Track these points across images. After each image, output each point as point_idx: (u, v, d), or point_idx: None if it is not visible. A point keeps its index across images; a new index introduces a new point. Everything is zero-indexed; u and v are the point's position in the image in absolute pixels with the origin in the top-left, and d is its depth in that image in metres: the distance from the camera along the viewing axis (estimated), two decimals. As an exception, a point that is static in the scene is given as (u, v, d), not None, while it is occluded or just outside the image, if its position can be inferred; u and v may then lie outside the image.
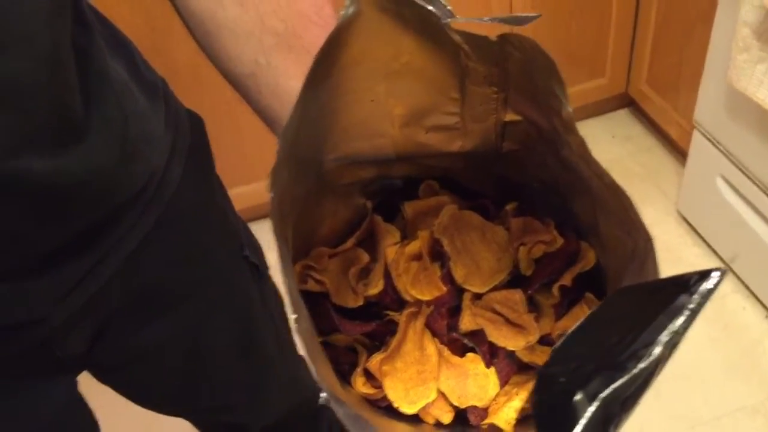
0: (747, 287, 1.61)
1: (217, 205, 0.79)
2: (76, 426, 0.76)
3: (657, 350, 0.28)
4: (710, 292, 0.29)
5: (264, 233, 0.96)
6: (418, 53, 0.40)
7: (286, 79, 0.50)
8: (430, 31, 0.37)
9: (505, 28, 0.36)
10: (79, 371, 0.73)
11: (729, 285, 1.63)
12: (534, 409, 0.30)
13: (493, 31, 0.37)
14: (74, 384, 0.74)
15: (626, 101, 2.03)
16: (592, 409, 0.28)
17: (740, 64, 1.33)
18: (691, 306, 0.28)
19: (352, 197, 0.51)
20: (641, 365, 0.27)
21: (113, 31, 0.64)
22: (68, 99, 0.52)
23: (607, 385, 0.27)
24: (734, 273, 1.64)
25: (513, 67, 0.39)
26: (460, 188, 0.52)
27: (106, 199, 0.58)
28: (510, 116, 0.43)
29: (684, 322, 0.28)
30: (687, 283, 0.29)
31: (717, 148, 1.57)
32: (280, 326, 0.90)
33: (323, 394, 0.34)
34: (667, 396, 1.44)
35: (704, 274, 0.29)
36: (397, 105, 0.43)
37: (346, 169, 0.48)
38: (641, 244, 0.36)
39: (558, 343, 0.31)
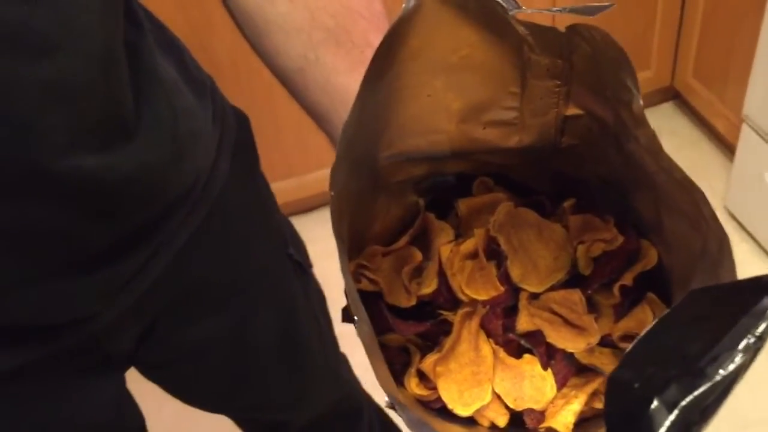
0: (798, 285, 1.57)
1: (262, 203, 0.79)
2: (124, 421, 0.76)
3: (739, 356, 0.27)
4: None
5: (305, 229, 0.96)
6: (478, 46, 0.39)
7: (335, 75, 0.50)
8: (493, 22, 0.36)
9: (572, 19, 0.34)
10: (127, 368, 0.74)
11: (779, 283, 1.59)
12: (606, 417, 0.29)
13: (557, 23, 0.35)
14: (122, 380, 0.75)
15: (671, 94, 1.99)
16: (671, 417, 0.26)
17: (793, 55, 1.30)
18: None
19: (404, 195, 0.50)
20: (723, 372, 0.26)
21: (162, 29, 0.65)
22: (120, 97, 0.52)
23: (687, 393, 0.26)
24: (785, 270, 1.60)
25: (579, 60, 0.38)
26: (514, 185, 0.51)
27: (156, 197, 0.59)
28: (571, 110, 0.42)
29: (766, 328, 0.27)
30: (766, 286, 0.28)
31: (766, 142, 1.53)
32: (323, 323, 0.90)
33: (386, 398, 0.33)
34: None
35: None
36: (455, 100, 0.42)
37: (398, 166, 0.47)
38: (714, 243, 0.34)
39: (630, 347, 0.29)
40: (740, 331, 0.27)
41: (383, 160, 0.45)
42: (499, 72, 0.40)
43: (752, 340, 0.26)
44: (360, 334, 0.34)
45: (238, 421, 0.99)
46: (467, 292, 0.46)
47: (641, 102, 0.35)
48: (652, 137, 0.36)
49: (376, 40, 0.37)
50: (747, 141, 1.61)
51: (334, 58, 0.50)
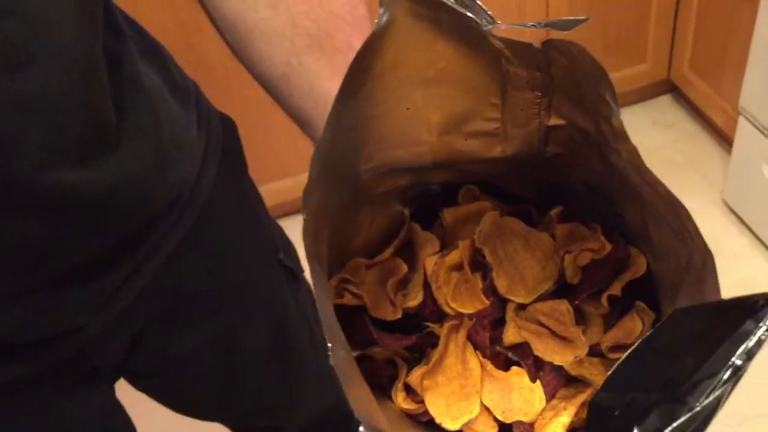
0: (797, 278, 1.57)
1: (250, 209, 0.78)
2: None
3: (720, 384, 0.26)
4: None
5: (297, 230, 0.95)
6: (455, 59, 0.38)
7: (319, 81, 0.49)
8: (468, 36, 0.35)
9: (548, 32, 0.33)
10: (116, 379, 0.73)
11: (777, 276, 1.59)
12: None
13: (534, 36, 0.35)
14: (111, 391, 0.74)
15: (668, 87, 1.98)
16: None
17: (789, 46, 1.29)
18: (759, 333, 0.26)
19: (389, 205, 0.49)
20: (705, 401, 0.25)
21: (145, 36, 0.64)
22: (101, 109, 0.51)
23: (668, 423, 0.25)
24: (783, 263, 1.59)
25: (558, 72, 0.37)
26: (501, 192, 0.50)
27: (140, 208, 0.58)
28: (554, 121, 0.41)
29: (751, 350, 0.26)
30: (753, 307, 0.27)
31: (764, 134, 1.52)
32: (314, 327, 0.89)
33: (361, 429, 0.33)
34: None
35: None
36: (434, 112, 0.42)
37: (381, 177, 0.46)
38: (699, 258, 0.34)
39: (612, 369, 0.29)
40: (722, 357, 0.26)
41: (365, 173, 0.44)
42: (478, 84, 0.40)
43: (733, 367, 0.25)
44: (334, 360, 0.33)
45: (233, 428, 0.98)
46: (453, 305, 0.45)
47: (620, 117, 0.34)
48: (633, 152, 0.35)
49: (360, 44, 0.36)
50: (744, 133, 1.60)
51: (318, 64, 0.49)
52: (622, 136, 0.35)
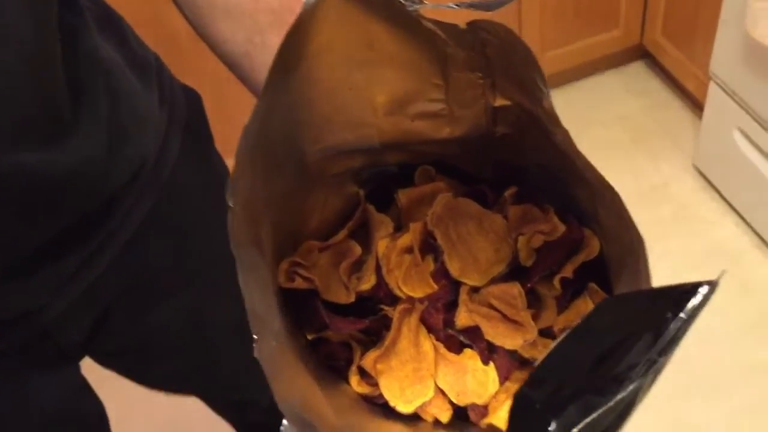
0: (765, 243, 1.58)
1: (217, 184, 0.77)
2: (81, 411, 0.75)
3: (639, 375, 0.25)
4: (697, 309, 0.26)
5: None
6: (391, 40, 0.37)
7: None
8: (401, 17, 0.35)
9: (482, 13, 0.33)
10: (81, 357, 0.73)
11: (746, 240, 1.60)
12: None
13: (467, 17, 0.34)
14: (77, 370, 0.73)
15: (641, 53, 1.97)
16: None
17: (757, 11, 1.29)
18: (678, 325, 0.26)
19: (343, 186, 0.49)
20: (620, 395, 0.25)
21: (104, 8, 0.62)
22: (55, 89, 0.50)
23: (583, 416, 0.25)
24: (752, 228, 1.61)
25: (492, 53, 0.36)
26: (457, 173, 0.50)
27: (100, 187, 0.57)
28: (500, 101, 0.40)
29: (669, 344, 0.26)
30: (675, 298, 0.26)
31: (734, 100, 1.53)
32: None
33: (284, 422, 0.32)
34: (684, 356, 1.43)
35: (693, 288, 0.26)
36: (378, 93, 0.41)
37: (332, 159, 0.45)
38: (635, 244, 0.33)
39: (539, 362, 0.28)
40: (641, 349, 0.26)
41: (312, 154, 0.44)
42: (418, 65, 0.39)
43: (650, 361, 0.25)
44: (260, 354, 0.32)
45: (204, 401, 0.98)
46: (404, 289, 0.45)
47: (551, 100, 0.34)
48: (566, 136, 0.34)
49: None
50: (715, 99, 1.60)
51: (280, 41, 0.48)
52: (554, 119, 0.34)
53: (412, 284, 0.45)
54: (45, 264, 0.55)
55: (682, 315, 0.25)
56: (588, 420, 0.24)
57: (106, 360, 0.77)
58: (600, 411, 0.24)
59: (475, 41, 0.36)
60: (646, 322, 0.26)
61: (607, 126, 1.85)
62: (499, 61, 0.37)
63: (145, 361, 0.77)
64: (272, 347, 0.35)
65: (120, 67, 0.59)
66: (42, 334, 0.62)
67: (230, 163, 0.78)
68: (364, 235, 0.50)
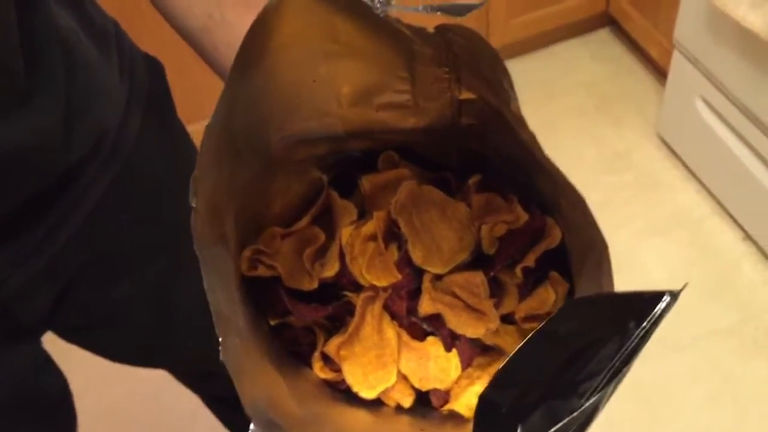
0: (725, 210, 1.61)
1: (180, 156, 0.75)
2: (43, 388, 0.74)
3: (602, 386, 0.26)
4: (659, 319, 0.26)
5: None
6: (356, 34, 0.37)
7: (242, 33, 0.47)
8: (366, 13, 0.34)
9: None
10: (43, 332, 0.72)
11: (707, 208, 1.63)
12: None
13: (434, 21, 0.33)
14: (39, 345, 0.72)
15: (607, 20, 1.97)
16: None
17: (721, -19, 1.29)
18: (638, 335, 0.26)
19: (306, 172, 0.48)
20: (586, 402, 0.25)
21: None
22: (8, 58, 0.48)
23: (551, 423, 0.25)
24: (713, 195, 1.63)
25: (460, 51, 0.36)
26: (421, 159, 0.49)
27: (58, 160, 0.55)
28: (465, 94, 0.40)
29: (630, 353, 0.26)
30: (638, 306, 0.27)
31: (697, 68, 1.54)
32: None
33: (251, 427, 0.32)
34: (643, 322, 1.46)
35: (656, 297, 0.27)
36: (342, 85, 0.40)
37: (296, 146, 0.45)
38: (599, 246, 0.34)
39: (503, 364, 0.29)
40: (605, 357, 0.26)
41: (276, 143, 0.43)
42: (383, 58, 0.38)
43: (614, 369, 0.26)
44: (224, 354, 0.32)
45: (172, 373, 0.98)
46: (367, 277, 0.45)
47: (518, 103, 0.34)
48: (532, 139, 0.34)
49: None
50: (678, 67, 1.61)
51: (241, 18, 0.47)
52: (521, 121, 0.34)
53: (376, 273, 0.45)
54: (2, 238, 0.54)
55: (644, 325, 0.26)
56: (555, 429, 0.25)
57: (69, 334, 0.76)
58: (565, 420, 0.25)
59: (442, 41, 0.36)
60: (609, 329, 0.27)
61: (572, 93, 1.86)
62: (465, 58, 0.36)
63: (110, 335, 0.77)
64: (236, 346, 0.35)
65: (77, 35, 0.57)
66: (1, 308, 0.61)
67: (191, 129, 0.77)
68: (327, 220, 0.49)
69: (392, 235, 0.46)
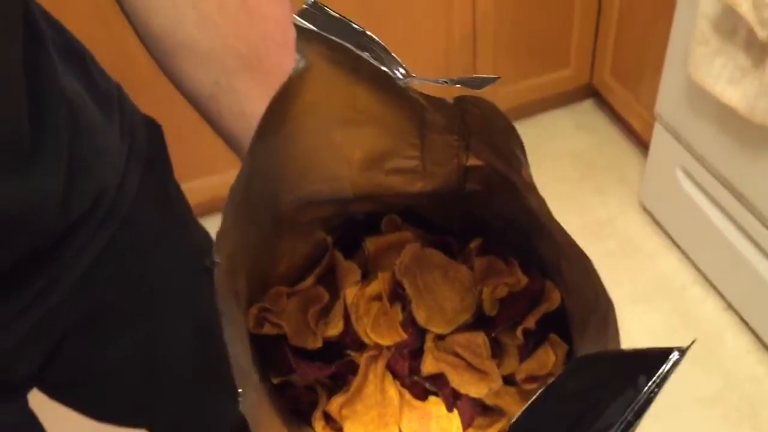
0: (706, 278, 1.64)
1: (176, 217, 0.77)
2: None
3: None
4: (668, 374, 0.28)
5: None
6: (374, 102, 0.38)
7: (248, 101, 0.48)
8: (386, 83, 0.36)
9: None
10: (29, 389, 0.71)
11: (688, 276, 1.66)
12: None
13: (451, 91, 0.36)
14: (25, 402, 0.72)
15: (591, 92, 2.04)
16: None
17: (699, 56, 1.34)
18: (649, 390, 0.27)
19: (311, 233, 0.50)
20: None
21: (67, 37, 0.61)
22: (15, 122, 0.49)
23: None
24: (694, 264, 1.66)
25: (472, 120, 0.38)
26: (423, 222, 0.51)
27: (55, 220, 0.56)
28: (473, 161, 0.42)
29: (640, 408, 0.27)
30: (646, 363, 0.28)
31: (677, 140, 1.59)
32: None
33: None
34: (628, 388, 1.47)
35: (664, 354, 0.28)
36: (356, 150, 0.42)
37: (304, 208, 0.46)
38: (603, 305, 0.35)
39: (515, 418, 0.30)
40: (616, 411, 0.27)
41: (286, 204, 0.44)
42: (397, 126, 0.40)
43: (625, 422, 0.27)
44: (244, 407, 0.33)
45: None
46: (372, 336, 0.46)
47: (530, 170, 0.35)
48: (542, 204, 0.36)
49: (290, 66, 0.36)
50: (659, 138, 1.66)
51: (248, 85, 0.48)
52: (531, 187, 0.36)
53: (381, 332, 0.46)
54: None
55: (654, 379, 0.27)
56: None
57: (54, 393, 0.75)
58: None
59: (457, 111, 0.38)
60: (617, 385, 0.28)
61: (557, 161, 1.91)
62: (476, 127, 0.38)
63: (97, 393, 0.76)
64: (254, 399, 0.35)
65: (82, 99, 0.59)
66: None
67: (186, 186, 0.78)
68: (331, 280, 0.50)
69: (396, 295, 0.48)
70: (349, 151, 0.42)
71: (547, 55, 1.83)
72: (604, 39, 1.82)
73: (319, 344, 0.47)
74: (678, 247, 1.71)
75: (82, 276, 0.61)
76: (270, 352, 0.47)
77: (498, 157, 0.39)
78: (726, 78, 1.31)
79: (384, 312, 0.46)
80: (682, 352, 0.28)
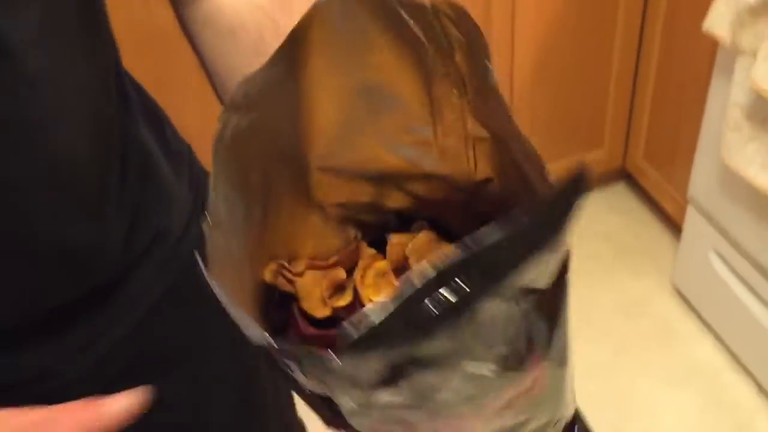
0: (739, 362, 1.61)
1: None
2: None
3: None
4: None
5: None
6: (385, 49, 0.41)
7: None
8: (391, 20, 0.39)
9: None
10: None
11: (722, 360, 1.63)
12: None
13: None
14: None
15: (623, 175, 2.07)
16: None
17: (732, 142, 1.35)
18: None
19: (344, 228, 0.52)
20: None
21: (146, 99, 0.67)
22: (104, 170, 0.55)
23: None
24: (728, 348, 1.63)
25: (460, 57, 0.40)
26: (452, 236, 0.53)
27: (117, 259, 0.61)
28: (477, 130, 0.45)
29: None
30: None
31: (710, 223, 1.59)
32: (282, 386, 0.89)
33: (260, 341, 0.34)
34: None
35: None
36: (384, 120, 0.45)
37: (337, 185, 0.49)
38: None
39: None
40: None
41: (316, 171, 0.48)
42: (409, 84, 0.43)
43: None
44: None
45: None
46: (373, 299, 0.48)
47: (496, 77, 0.38)
48: (507, 108, 0.39)
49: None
50: (692, 221, 1.66)
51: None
52: (495, 90, 0.39)
53: (384, 295, 0.48)
54: (55, 331, 0.58)
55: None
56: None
57: None
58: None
59: (440, 33, 0.39)
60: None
61: (590, 241, 1.92)
62: (465, 69, 0.41)
63: (141, 428, 0.77)
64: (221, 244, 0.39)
65: (156, 153, 0.64)
66: (44, 401, 0.63)
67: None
68: (351, 271, 0.53)
69: (401, 272, 0.50)
70: (368, 118, 0.45)
71: (581, 135, 1.88)
72: (637, 122, 1.87)
73: (327, 313, 0.50)
74: (712, 330, 1.68)
75: (144, 316, 0.65)
76: (280, 308, 0.50)
77: (492, 115, 0.42)
78: (759, 163, 1.32)
79: (388, 283, 0.49)
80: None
